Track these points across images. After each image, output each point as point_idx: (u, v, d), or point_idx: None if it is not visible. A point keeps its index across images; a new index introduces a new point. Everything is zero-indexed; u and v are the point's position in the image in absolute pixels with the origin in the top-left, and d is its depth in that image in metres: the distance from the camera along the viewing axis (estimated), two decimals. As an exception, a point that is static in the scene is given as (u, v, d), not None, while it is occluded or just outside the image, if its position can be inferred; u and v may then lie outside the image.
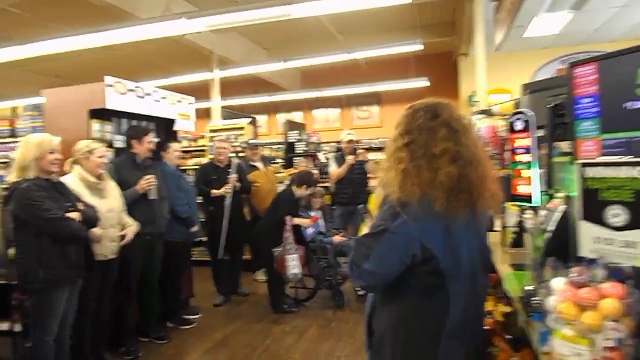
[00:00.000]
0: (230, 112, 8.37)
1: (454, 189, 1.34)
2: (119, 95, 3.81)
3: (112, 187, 3.32)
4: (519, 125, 2.02)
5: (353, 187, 5.48)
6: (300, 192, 4.68)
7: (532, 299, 1.39)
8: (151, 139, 3.76)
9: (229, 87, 9.82)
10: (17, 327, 3.46)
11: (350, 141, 5.66)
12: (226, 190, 4.77)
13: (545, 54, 9.15)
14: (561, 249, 1.57)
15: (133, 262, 3.59)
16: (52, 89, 3.87)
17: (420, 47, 7.88)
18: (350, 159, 5.47)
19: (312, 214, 5.11)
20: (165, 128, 4.65)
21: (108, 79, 3.71)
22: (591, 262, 1.34)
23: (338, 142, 10.67)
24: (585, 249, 1.40)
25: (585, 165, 1.39)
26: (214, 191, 4.77)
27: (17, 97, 9.35)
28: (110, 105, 3.74)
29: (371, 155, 10.83)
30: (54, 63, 8.60)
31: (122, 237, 3.30)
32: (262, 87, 10.98)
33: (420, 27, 8.60)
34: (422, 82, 9.89)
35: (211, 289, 5.04)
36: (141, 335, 3.86)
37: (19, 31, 6.84)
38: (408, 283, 1.39)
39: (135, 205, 3.53)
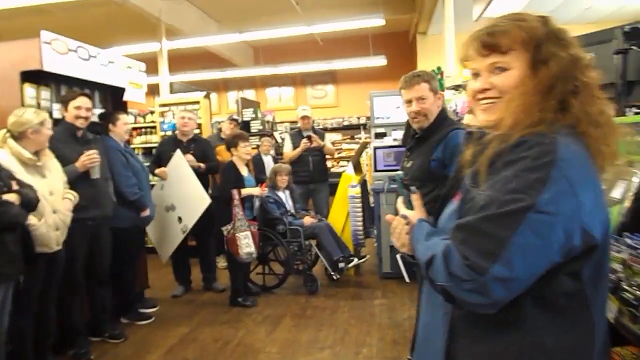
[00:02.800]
0: (182, 86, 7.73)
1: None
2: (59, 55, 3.22)
3: (53, 165, 2.80)
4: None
5: (314, 162, 5.26)
6: (238, 153, 4.15)
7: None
8: (80, 105, 3.15)
9: (177, 62, 9.10)
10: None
11: (305, 117, 5.36)
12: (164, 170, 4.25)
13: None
14: (637, 223, 1.34)
15: (77, 252, 3.09)
16: (-26, 45, 3.20)
17: (382, 22, 7.65)
18: (304, 142, 5.17)
19: (280, 194, 4.75)
20: (112, 97, 4.07)
21: (45, 35, 3.10)
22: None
23: (293, 122, 10.39)
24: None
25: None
26: (158, 170, 4.27)
27: None
28: (48, 67, 3.14)
29: (327, 136, 10.62)
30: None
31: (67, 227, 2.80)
32: (212, 62, 10.32)
33: (381, 3, 8.31)
34: (379, 61, 9.69)
35: (169, 278, 4.56)
36: (93, 335, 3.37)
37: None
38: (537, 293, 0.87)
39: (75, 185, 3.00)
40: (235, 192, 4.00)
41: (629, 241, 1.24)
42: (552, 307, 0.88)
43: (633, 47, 1.69)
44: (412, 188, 1.11)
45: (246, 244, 3.97)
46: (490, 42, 0.95)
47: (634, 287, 1.12)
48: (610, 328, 1.20)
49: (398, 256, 2.18)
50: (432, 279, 0.89)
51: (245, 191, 4.09)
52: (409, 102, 2.24)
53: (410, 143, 2.38)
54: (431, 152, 2.17)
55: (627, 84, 1.82)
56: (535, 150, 0.84)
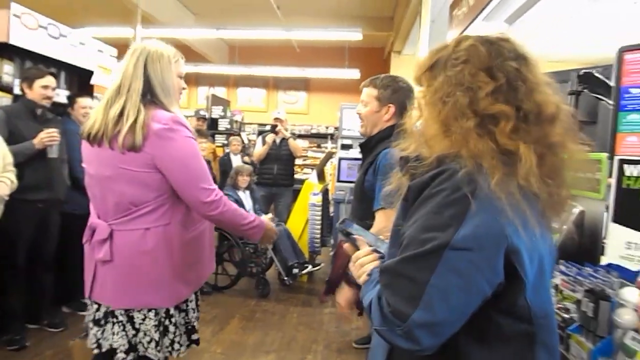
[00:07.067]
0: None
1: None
2: (28, 30, 3.12)
3: None
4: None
5: (278, 166, 5.26)
6: None
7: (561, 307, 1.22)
8: (47, 84, 3.02)
9: (149, 50, 8.93)
10: None
11: (276, 119, 5.38)
12: None
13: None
14: (574, 251, 1.45)
15: (21, 235, 2.97)
16: None
17: (360, 36, 7.77)
18: (270, 137, 5.21)
19: (240, 194, 4.74)
20: (79, 80, 3.96)
21: (15, 8, 3.01)
22: (620, 269, 1.21)
23: (261, 124, 10.37)
24: (614, 254, 1.27)
25: (625, 162, 1.26)
26: None
27: None
28: (15, 41, 3.04)
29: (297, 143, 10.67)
30: None
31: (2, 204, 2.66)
32: (185, 55, 10.03)
33: (360, 17, 8.48)
34: (353, 74, 9.83)
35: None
36: (30, 322, 3.23)
37: None
38: (470, 329, 0.83)
39: (30, 164, 2.90)
40: None
41: (562, 268, 1.34)
42: (490, 344, 0.84)
43: (585, 90, 1.82)
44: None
45: None
46: (415, 78, 0.98)
47: (562, 311, 1.21)
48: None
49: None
50: (372, 322, 0.85)
51: None
52: None
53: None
54: (365, 172, 1.93)
55: (578, 124, 1.95)
56: (453, 182, 0.80)
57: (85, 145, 1.68)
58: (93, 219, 1.70)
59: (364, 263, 0.99)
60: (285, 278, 4.41)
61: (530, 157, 0.81)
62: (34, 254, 3.13)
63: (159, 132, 1.54)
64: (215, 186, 1.66)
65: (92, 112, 1.71)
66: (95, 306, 1.74)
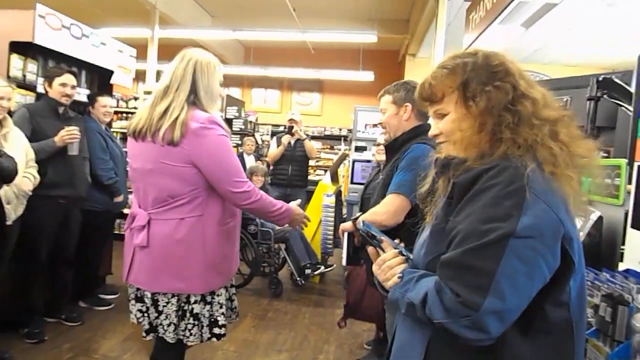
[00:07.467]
0: (168, 76, 7.69)
1: None
2: (51, 30, 3.19)
3: (14, 137, 2.67)
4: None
5: (293, 167, 5.27)
6: None
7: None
8: (65, 82, 3.06)
9: (166, 51, 9.03)
10: None
11: (291, 120, 5.41)
12: None
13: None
14: (592, 257, 1.45)
15: (44, 230, 3.03)
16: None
17: (374, 38, 7.81)
18: (285, 138, 5.24)
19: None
20: (99, 79, 4.04)
21: (40, 9, 3.08)
22: (638, 274, 1.21)
23: (275, 125, 10.43)
24: (633, 260, 1.27)
25: (645, 168, 1.26)
26: None
27: None
28: (39, 40, 3.11)
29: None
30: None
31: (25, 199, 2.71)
32: (201, 56, 10.28)
33: (375, 20, 8.50)
34: (367, 76, 9.86)
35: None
36: (48, 315, 3.30)
37: None
38: (519, 320, 0.85)
39: (51, 161, 2.96)
40: None
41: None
42: (534, 335, 0.86)
43: (604, 96, 1.82)
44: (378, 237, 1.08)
45: None
46: (425, 95, 1.02)
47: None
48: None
49: (345, 234, 1.66)
50: (429, 317, 0.87)
51: None
52: None
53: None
54: (391, 170, 1.97)
55: (596, 129, 1.95)
56: (506, 176, 0.85)
57: (130, 141, 1.82)
58: (134, 208, 1.84)
59: (392, 265, 1.02)
60: (298, 278, 4.44)
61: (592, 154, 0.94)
62: (55, 251, 3.20)
63: (196, 130, 1.67)
64: (247, 179, 1.79)
65: (138, 110, 1.83)
66: (136, 286, 1.87)
